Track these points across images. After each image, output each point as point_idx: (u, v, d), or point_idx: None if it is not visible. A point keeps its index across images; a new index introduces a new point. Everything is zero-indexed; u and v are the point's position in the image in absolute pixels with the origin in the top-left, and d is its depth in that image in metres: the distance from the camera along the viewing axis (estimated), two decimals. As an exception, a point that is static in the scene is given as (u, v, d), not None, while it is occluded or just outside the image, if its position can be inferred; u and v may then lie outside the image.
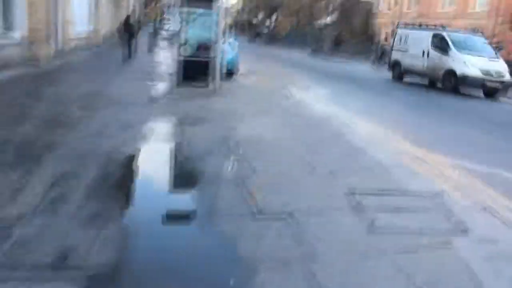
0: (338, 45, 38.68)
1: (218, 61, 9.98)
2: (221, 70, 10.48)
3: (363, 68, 26.78)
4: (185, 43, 9.86)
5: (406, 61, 19.09)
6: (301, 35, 45.05)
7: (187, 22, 9.85)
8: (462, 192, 4.58)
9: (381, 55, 30.04)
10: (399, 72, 19.73)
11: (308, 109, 9.09)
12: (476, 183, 5.01)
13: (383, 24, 40.61)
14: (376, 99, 13.23)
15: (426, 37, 18.18)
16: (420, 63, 18.13)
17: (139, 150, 5.20)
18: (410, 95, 15.35)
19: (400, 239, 3.27)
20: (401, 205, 3.96)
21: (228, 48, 12.88)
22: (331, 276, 2.70)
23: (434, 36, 17.83)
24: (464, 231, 3.50)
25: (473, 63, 16.06)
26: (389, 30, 37.52)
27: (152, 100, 8.42)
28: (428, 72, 17.91)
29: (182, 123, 6.63)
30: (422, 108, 12.20)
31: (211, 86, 9.83)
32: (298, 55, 32.78)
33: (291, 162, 5.04)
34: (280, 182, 4.31)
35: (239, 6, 66.11)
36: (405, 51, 19.28)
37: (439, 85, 17.40)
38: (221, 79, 10.39)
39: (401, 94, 15.44)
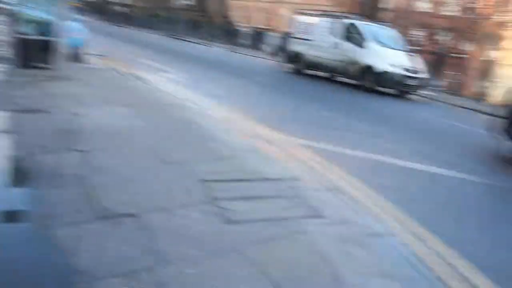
0: (195, 28, 38.52)
1: (63, 41, 8.94)
2: (68, 51, 9.46)
3: (221, 51, 27.01)
4: (23, 20, 8.64)
5: (311, 53, 17.18)
6: (158, 17, 43.80)
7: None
8: (313, 175, 4.77)
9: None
10: (303, 65, 17.82)
11: (164, 95, 8.65)
12: (326, 164, 5.30)
13: (238, 7, 41.28)
14: (241, 84, 13.36)
15: (335, 26, 16.27)
16: (329, 57, 16.30)
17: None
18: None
19: (254, 230, 3.12)
20: (254, 193, 3.84)
21: (75, 27, 11.71)
22: (183, 284, 2.46)
23: (346, 26, 15.96)
24: (317, 215, 3.58)
25: (392, 58, 14.71)
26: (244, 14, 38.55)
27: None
28: (337, 66, 16.05)
29: (18, 111, 5.74)
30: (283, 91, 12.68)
31: (55, 69, 8.80)
32: (155, 36, 31.71)
33: (140, 154, 4.55)
34: (127, 177, 3.84)
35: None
36: (309, 41, 17.26)
37: (353, 81, 15.80)
38: (68, 61, 9.39)
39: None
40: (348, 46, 15.66)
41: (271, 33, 32.59)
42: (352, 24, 15.91)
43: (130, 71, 11.09)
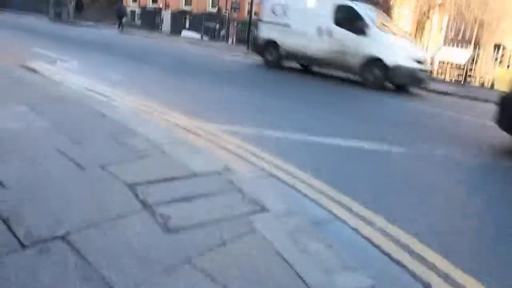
0: (80, 10, 35.98)
1: None
2: None
3: (112, 32, 25.53)
4: None
5: (289, 42, 14.31)
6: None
7: None
8: (245, 163, 4.57)
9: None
10: (277, 57, 14.91)
11: (65, 87, 7.76)
12: (252, 149, 5.12)
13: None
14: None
15: (323, 8, 13.41)
16: (314, 46, 13.55)
17: None
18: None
19: (200, 237, 2.85)
20: (189, 192, 3.52)
21: None
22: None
23: (339, 8, 13.19)
24: (261, 209, 3.38)
25: (403, 48, 12.48)
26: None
27: None
28: (330, 58, 13.26)
29: None
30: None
31: None
32: (37, 21, 28.92)
33: (49, 160, 3.93)
34: (43, 190, 3.27)
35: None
36: (285, 27, 14.39)
37: (352, 77, 13.61)
38: None
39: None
40: (342, 32, 12.94)
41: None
42: (345, 6, 13.07)
43: (21, 62, 9.87)
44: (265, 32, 15.21)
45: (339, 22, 13.07)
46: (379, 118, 9.04)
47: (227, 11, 32.21)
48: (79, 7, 35.77)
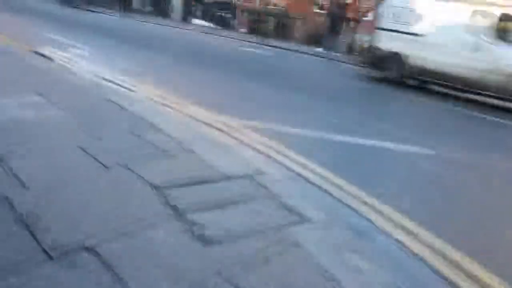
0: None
1: None
2: None
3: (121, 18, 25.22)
4: None
5: (421, 55, 11.45)
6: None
7: None
8: (274, 164, 4.32)
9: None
10: (400, 73, 12.07)
11: (79, 76, 7.50)
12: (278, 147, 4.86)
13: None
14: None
15: (477, 16, 10.65)
16: (462, 63, 10.65)
17: None
18: None
19: (237, 249, 2.60)
20: (220, 197, 3.27)
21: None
22: None
23: (505, 17, 10.26)
24: (300, 218, 3.11)
25: None
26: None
27: None
28: (487, 80, 10.33)
29: None
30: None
31: None
32: (46, 5, 28.53)
33: (67, 156, 3.68)
34: (64, 193, 3.02)
35: None
36: (416, 36, 11.61)
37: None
38: None
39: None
40: (506, 50, 10.22)
41: None
42: (508, 16, 10.24)
43: (33, 48, 9.60)
44: (384, 42, 12.36)
45: (502, 35, 10.34)
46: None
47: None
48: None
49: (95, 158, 3.69)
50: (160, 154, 4.04)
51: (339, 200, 3.67)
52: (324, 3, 28.19)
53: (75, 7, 29.87)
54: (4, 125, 4.28)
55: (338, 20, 24.84)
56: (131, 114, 5.32)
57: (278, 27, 29.69)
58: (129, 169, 3.56)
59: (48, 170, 3.38)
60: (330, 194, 3.76)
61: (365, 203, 3.71)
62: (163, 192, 3.21)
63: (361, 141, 5.91)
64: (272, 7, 30.64)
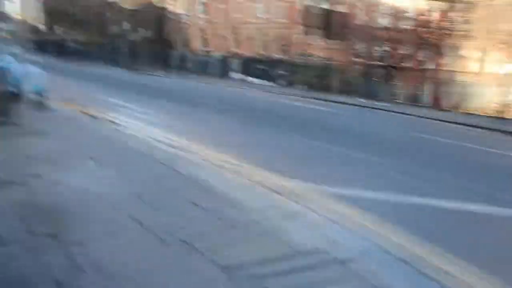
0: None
1: (23, 89, 7.49)
2: (29, 98, 8.07)
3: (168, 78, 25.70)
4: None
5: None
6: (95, 47, 41.81)
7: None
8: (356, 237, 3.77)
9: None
10: None
11: (149, 144, 7.24)
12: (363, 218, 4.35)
13: (181, 29, 39.88)
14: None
15: None
16: None
17: None
18: None
19: None
20: (310, 278, 2.82)
21: (33, 71, 10.19)
22: None
23: None
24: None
25: None
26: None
27: None
28: None
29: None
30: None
31: (18, 122, 7.37)
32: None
33: (130, 234, 3.34)
34: (124, 279, 2.68)
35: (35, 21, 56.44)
36: None
37: None
38: (31, 110, 8.02)
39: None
40: None
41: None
42: None
43: (101, 115, 9.66)
44: None
45: None
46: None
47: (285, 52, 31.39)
48: (135, 53, 36.92)
49: (154, 234, 3.32)
50: (227, 227, 3.62)
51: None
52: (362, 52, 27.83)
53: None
54: (79, 204, 4.00)
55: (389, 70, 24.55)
56: (191, 180, 4.97)
57: (319, 78, 29.12)
58: (191, 246, 3.15)
59: (106, 251, 3.03)
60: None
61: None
62: (234, 274, 2.77)
63: (445, 204, 5.26)
64: (312, 57, 30.16)
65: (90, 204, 3.98)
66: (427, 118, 17.36)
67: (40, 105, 9.66)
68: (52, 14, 48.95)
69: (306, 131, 10.54)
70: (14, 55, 8.76)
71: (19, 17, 49.19)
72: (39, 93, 9.90)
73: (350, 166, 7.09)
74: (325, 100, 20.56)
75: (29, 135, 6.90)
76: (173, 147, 6.88)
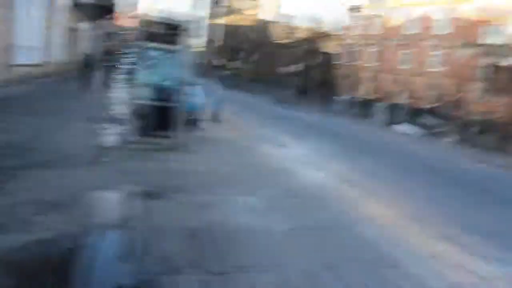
0: (302, 95, 38.28)
1: (183, 107, 8.14)
2: (187, 117, 8.76)
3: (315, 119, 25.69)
4: (143, 85, 8.00)
5: None
6: (263, 82, 44.46)
7: (148, 60, 8.03)
8: None
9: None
10: None
11: (304, 178, 7.36)
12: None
13: (345, 76, 40.20)
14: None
15: None
16: None
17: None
18: None
19: None
20: None
21: (196, 91, 11.23)
22: None
23: None
24: None
25: None
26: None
27: (98, 155, 6.43)
28: None
29: (133, 195, 4.78)
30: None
31: (174, 139, 8.02)
32: (267, 105, 31.14)
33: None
34: None
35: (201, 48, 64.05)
36: None
37: None
38: (187, 128, 8.65)
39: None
40: None
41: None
42: None
43: (254, 143, 10.09)
44: None
45: None
46: None
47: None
48: (302, 92, 38.35)
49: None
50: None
51: None
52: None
53: (285, 107, 31.98)
54: (231, 236, 4.07)
55: None
56: (376, 245, 4.58)
57: (497, 139, 25.42)
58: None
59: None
60: None
61: None
62: None
63: None
64: (489, 115, 26.87)
65: (244, 240, 3.87)
66: None
67: (195, 124, 10.45)
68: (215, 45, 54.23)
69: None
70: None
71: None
72: (196, 111, 10.78)
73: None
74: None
75: (179, 152, 7.51)
76: (357, 200, 6.54)
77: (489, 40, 28.04)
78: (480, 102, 27.58)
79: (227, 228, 4.27)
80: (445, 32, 31.09)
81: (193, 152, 7.75)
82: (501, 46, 26.98)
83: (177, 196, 5.01)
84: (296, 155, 10.24)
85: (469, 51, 29.15)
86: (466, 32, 29.39)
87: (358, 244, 4.46)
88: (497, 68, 27.00)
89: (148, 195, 4.88)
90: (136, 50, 8.07)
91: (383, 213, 6.26)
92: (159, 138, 7.85)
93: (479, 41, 28.68)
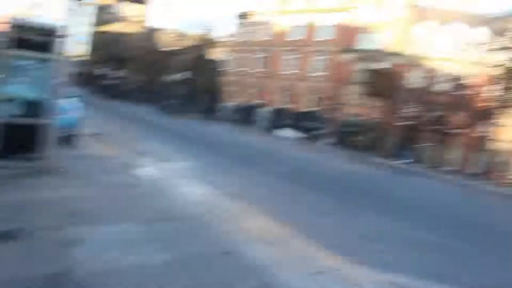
0: (188, 103, 38.01)
1: (54, 123, 7.24)
2: (59, 134, 7.84)
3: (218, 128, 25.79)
4: (5, 100, 6.98)
5: None
6: (149, 91, 43.34)
7: (11, 72, 7.03)
8: None
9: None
10: None
11: (190, 197, 7.02)
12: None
13: (231, 83, 40.67)
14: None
15: None
16: None
17: None
18: None
19: None
20: None
21: (69, 105, 10.27)
22: None
23: None
24: None
25: None
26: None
27: None
28: None
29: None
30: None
31: (43, 160, 7.12)
32: (149, 112, 30.39)
33: None
34: None
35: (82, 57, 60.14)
36: None
37: None
38: (59, 147, 7.76)
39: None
40: None
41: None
42: None
43: (136, 160, 9.48)
44: None
45: None
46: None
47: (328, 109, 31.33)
48: (187, 100, 37.91)
49: None
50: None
51: None
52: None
53: (169, 117, 31.46)
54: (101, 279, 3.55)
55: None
56: (254, 267, 4.37)
57: (370, 139, 28.38)
58: None
59: None
60: None
61: None
62: None
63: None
64: (364, 117, 29.38)
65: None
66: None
67: (69, 141, 9.62)
68: (98, 53, 51.68)
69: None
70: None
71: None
72: (70, 128, 9.86)
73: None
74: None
75: (50, 175, 6.73)
76: (229, 214, 6.36)
77: (364, 46, 30.37)
78: (356, 104, 29.70)
79: (93, 270, 3.76)
80: (327, 38, 32.89)
81: (63, 175, 6.97)
82: (373, 51, 29.37)
83: (39, 234, 4.36)
84: (177, 169, 9.94)
85: (347, 56, 31.27)
86: (345, 38, 31.47)
87: (243, 272, 4.24)
88: (371, 72, 29.29)
89: (2, 236, 4.18)
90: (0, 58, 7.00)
91: (265, 229, 6.17)
92: (26, 161, 6.93)
93: (356, 47, 30.92)
